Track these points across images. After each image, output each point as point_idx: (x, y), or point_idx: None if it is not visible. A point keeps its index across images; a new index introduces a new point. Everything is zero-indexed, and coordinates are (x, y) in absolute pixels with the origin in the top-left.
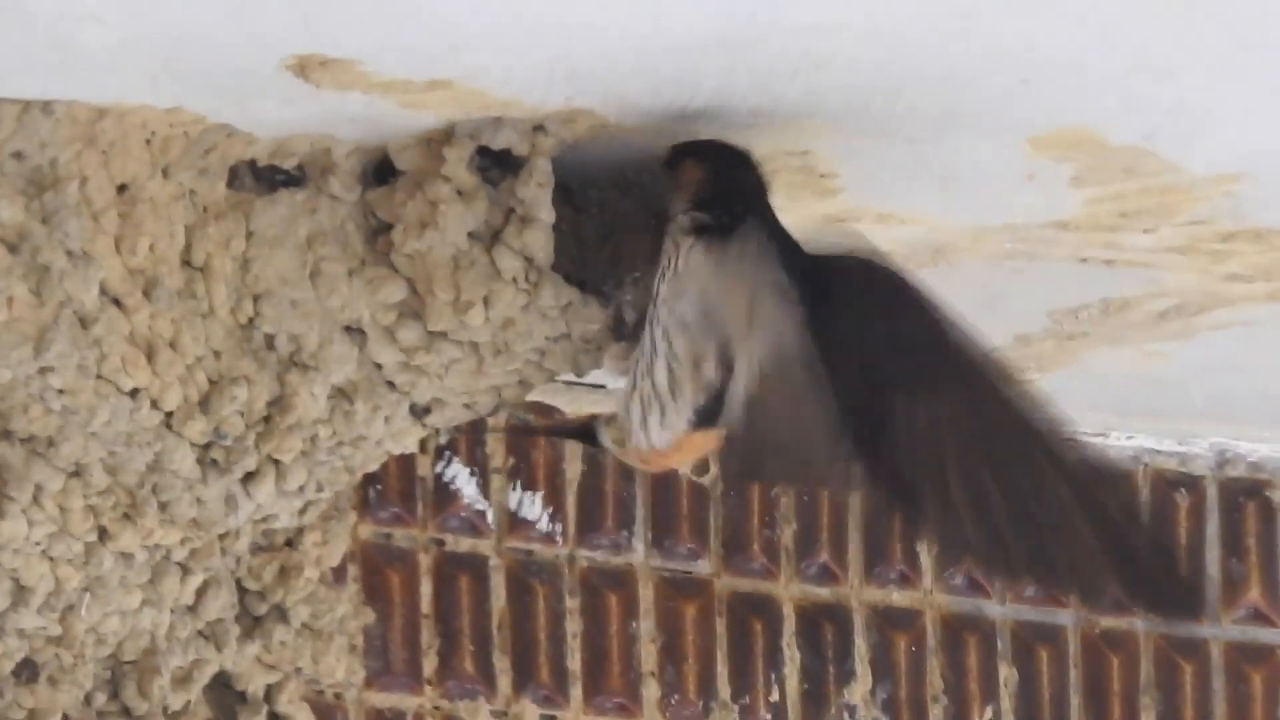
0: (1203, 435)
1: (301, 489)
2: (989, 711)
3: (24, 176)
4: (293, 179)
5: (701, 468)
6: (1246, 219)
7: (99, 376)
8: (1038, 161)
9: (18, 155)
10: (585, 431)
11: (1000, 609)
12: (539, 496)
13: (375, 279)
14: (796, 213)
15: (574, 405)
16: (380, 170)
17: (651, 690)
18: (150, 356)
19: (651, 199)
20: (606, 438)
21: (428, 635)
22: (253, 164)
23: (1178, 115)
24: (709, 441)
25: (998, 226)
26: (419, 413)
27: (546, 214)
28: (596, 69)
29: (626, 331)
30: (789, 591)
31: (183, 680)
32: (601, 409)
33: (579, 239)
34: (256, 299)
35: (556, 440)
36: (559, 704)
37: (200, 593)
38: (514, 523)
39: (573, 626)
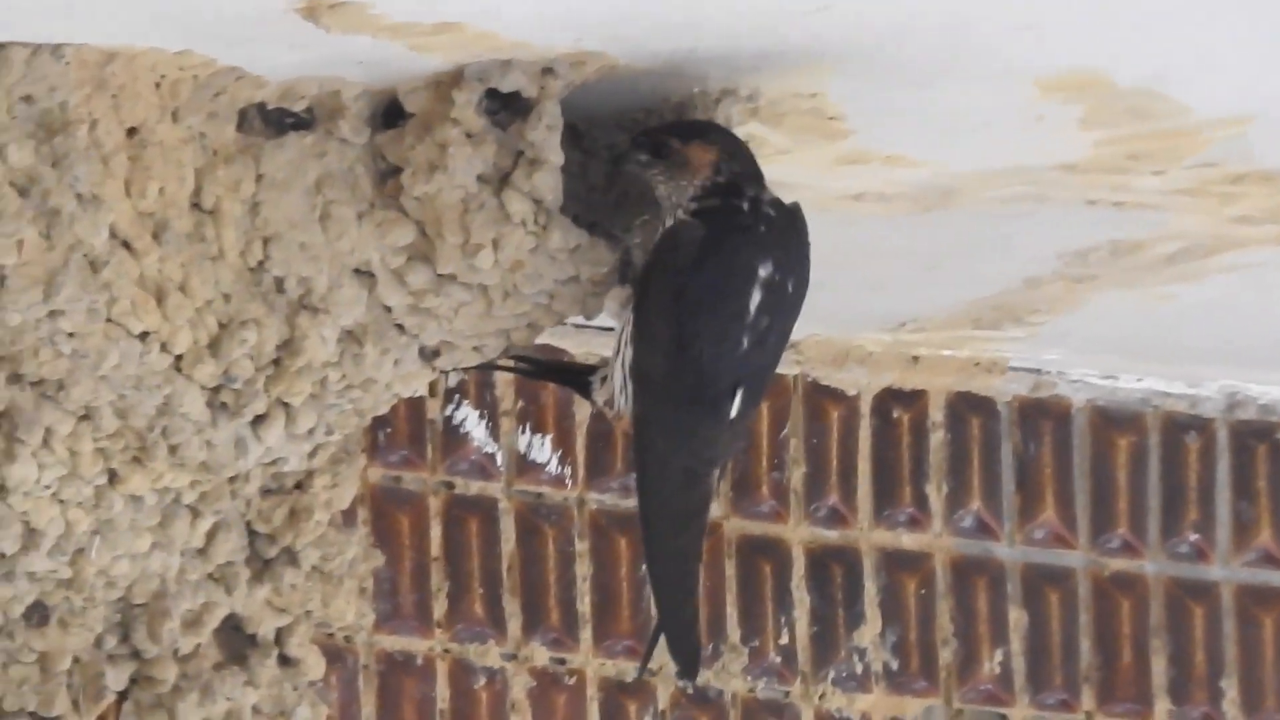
0: (1213, 378)
1: (311, 432)
2: (999, 654)
3: (34, 120)
4: (302, 122)
5: None
6: (1256, 161)
7: (109, 320)
8: (1046, 104)
9: (27, 99)
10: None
11: (1009, 551)
12: (548, 439)
13: (384, 222)
14: (806, 155)
15: (583, 348)
16: (389, 113)
17: None
18: (160, 300)
19: None
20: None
21: (437, 578)
22: (262, 107)
23: (1186, 56)
24: None
25: (1006, 169)
26: (428, 355)
27: (555, 156)
28: (604, 11)
29: (632, 275)
30: (798, 534)
31: (193, 623)
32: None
33: (587, 182)
34: (266, 242)
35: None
36: (569, 647)
37: (210, 536)
38: (523, 465)
39: (582, 569)
